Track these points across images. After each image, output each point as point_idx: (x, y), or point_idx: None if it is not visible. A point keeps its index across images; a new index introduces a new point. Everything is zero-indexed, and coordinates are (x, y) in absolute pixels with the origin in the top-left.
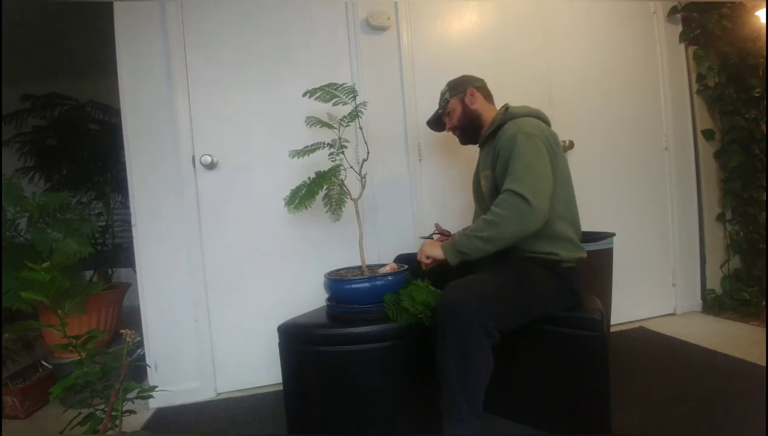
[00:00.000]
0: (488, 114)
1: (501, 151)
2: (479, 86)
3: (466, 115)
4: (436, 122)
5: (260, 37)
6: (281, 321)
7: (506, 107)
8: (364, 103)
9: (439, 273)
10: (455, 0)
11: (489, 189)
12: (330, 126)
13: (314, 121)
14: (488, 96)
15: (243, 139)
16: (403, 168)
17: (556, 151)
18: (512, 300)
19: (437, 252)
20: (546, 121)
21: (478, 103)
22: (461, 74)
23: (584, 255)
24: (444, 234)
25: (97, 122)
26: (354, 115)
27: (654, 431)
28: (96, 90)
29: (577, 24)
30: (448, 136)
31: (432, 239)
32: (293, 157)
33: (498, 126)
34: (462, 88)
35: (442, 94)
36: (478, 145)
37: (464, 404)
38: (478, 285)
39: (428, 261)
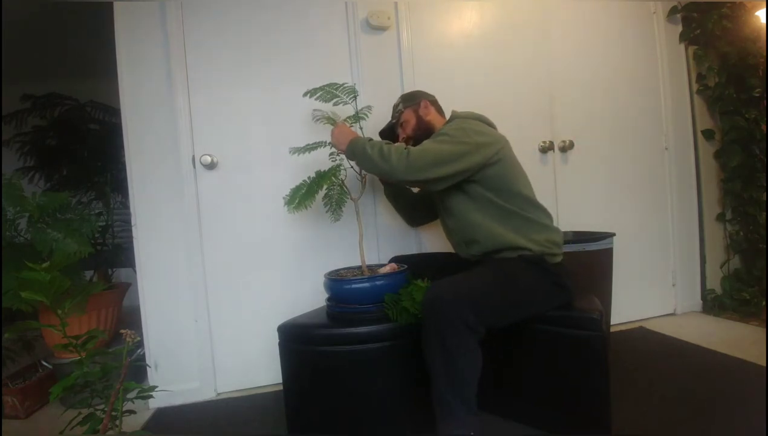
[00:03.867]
0: (439, 125)
1: None
2: (432, 100)
3: (420, 126)
4: (390, 132)
5: (260, 37)
6: (281, 321)
7: (452, 112)
8: (369, 108)
9: (439, 272)
10: (455, 0)
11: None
12: (333, 122)
13: (321, 116)
14: (440, 110)
15: (243, 139)
16: None
17: (504, 148)
18: (497, 295)
19: (342, 141)
20: (491, 125)
21: (431, 115)
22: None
23: (557, 237)
24: None
25: (97, 122)
26: (357, 117)
27: (654, 431)
28: (96, 90)
29: (577, 24)
30: None
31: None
32: (293, 153)
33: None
34: (416, 100)
35: (395, 106)
36: None
37: (453, 400)
38: (459, 282)
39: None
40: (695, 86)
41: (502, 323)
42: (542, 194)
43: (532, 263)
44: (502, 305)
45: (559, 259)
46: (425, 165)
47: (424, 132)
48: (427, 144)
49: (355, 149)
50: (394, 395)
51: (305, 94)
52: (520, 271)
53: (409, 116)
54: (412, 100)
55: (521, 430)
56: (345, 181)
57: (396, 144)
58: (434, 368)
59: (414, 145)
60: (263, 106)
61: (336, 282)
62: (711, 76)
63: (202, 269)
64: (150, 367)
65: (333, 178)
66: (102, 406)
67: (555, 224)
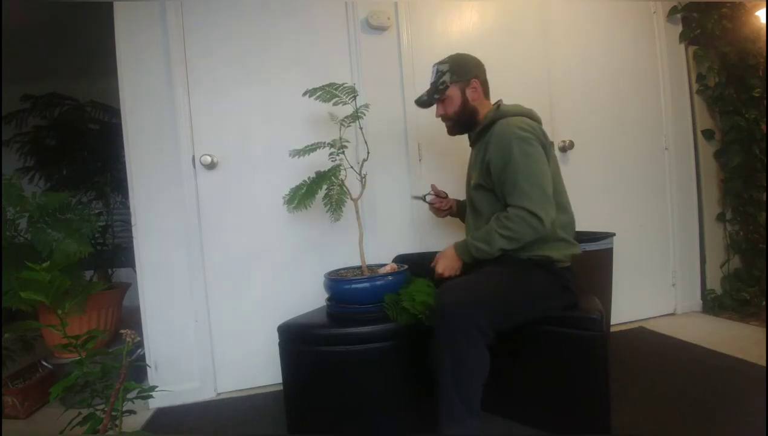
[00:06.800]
0: (483, 111)
1: (493, 158)
2: (483, 80)
3: (464, 110)
4: (428, 101)
5: (260, 37)
6: (281, 321)
7: (498, 105)
8: (366, 106)
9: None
10: (455, 0)
11: (472, 189)
12: (342, 123)
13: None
14: (487, 90)
15: (243, 139)
16: (403, 168)
17: (548, 151)
18: (507, 299)
19: (455, 265)
20: (538, 120)
21: (478, 100)
22: (463, 52)
23: (578, 251)
24: (440, 196)
25: (97, 122)
26: (355, 116)
27: (654, 431)
28: (96, 90)
29: (578, 24)
30: (448, 137)
31: (426, 200)
32: (293, 156)
33: (488, 124)
34: (466, 75)
35: (441, 71)
36: (469, 142)
37: (460, 402)
38: (472, 285)
39: (446, 275)
40: (695, 86)
41: (512, 325)
42: None
43: (541, 265)
44: (513, 308)
45: (567, 264)
46: (543, 203)
47: (467, 117)
48: (521, 179)
49: (470, 252)
50: (394, 394)
51: (305, 94)
52: (529, 273)
53: (455, 94)
54: (462, 73)
55: (521, 430)
56: (345, 181)
57: (498, 215)
58: (443, 370)
59: (452, 126)
60: (263, 106)
61: (336, 282)
62: (711, 76)
63: (202, 269)
64: (150, 367)
65: (333, 178)
66: (102, 406)
67: None
